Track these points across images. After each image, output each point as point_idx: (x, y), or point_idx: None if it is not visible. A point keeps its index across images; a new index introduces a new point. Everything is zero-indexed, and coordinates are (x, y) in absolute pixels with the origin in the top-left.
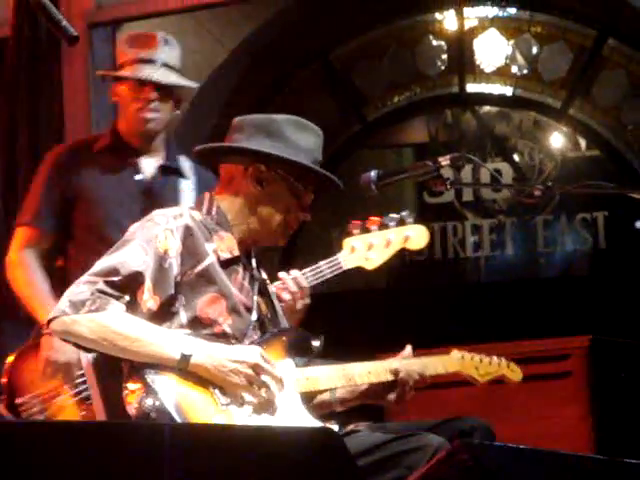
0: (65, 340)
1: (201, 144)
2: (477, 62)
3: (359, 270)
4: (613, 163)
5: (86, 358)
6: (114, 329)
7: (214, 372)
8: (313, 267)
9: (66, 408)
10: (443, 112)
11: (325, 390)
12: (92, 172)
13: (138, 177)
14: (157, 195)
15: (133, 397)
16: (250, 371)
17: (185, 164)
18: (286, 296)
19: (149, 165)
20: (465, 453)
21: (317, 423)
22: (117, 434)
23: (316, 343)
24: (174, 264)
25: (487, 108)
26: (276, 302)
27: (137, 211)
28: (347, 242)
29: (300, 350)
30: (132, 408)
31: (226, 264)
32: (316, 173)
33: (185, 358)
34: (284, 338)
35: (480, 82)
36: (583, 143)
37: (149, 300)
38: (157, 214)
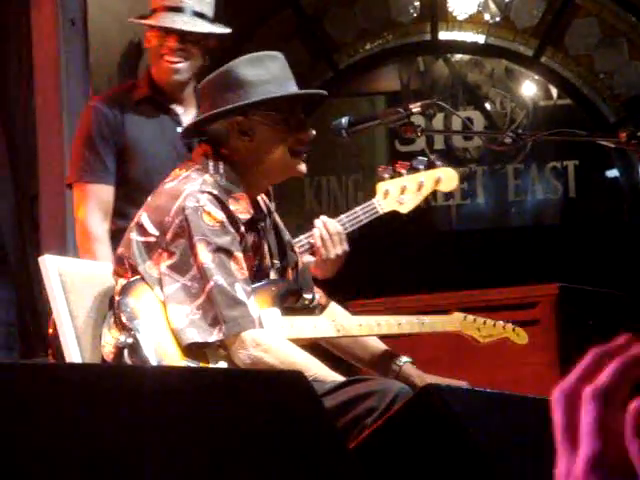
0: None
1: None
2: (449, 9)
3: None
4: (584, 112)
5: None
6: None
7: None
8: (349, 213)
9: None
10: (415, 60)
11: (314, 339)
12: (136, 123)
13: (180, 129)
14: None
15: (109, 343)
16: None
17: None
18: (318, 243)
19: (188, 117)
20: (433, 396)
21: None
22: (87, 377)
23: (308, 296)
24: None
25: (459, 56)
26: (284, 236)
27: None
28: (380, 186)
29: (288, 301)
30: (110, 354)
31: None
32: (287, 97)
33: None
34: (273, 289)
35: (452, 30)
36: (555, 92)
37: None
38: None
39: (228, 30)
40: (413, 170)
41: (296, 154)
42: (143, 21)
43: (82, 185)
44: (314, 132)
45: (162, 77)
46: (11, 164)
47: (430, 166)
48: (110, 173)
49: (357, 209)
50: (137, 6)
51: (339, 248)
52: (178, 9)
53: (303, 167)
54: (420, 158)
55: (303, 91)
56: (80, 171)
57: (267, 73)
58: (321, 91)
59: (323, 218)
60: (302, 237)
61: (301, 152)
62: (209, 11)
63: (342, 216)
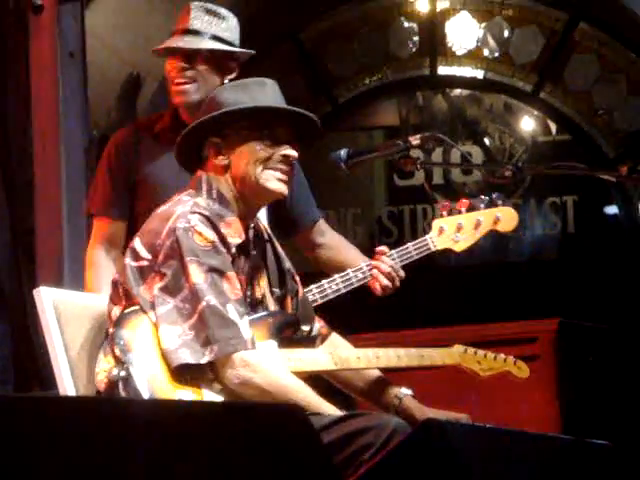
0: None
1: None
2: (448, 45)
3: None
4: (583, 147)
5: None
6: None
7: None
8: (400, 248)
9: None
10: (414, 95)
11: (312, 372)
12: (153, 156)
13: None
14: None
15: (104, 371)
16: None
17: None
18: (384, 281)
19: None
20: (434, 431)
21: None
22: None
23: (306, 327)
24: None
25: (458, 91)
26: (285, 264)
27: None
28: (436, 223)
29: (285, 333)
30: (102, 383)
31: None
32: (259, 110)
33: None
34: (270, 320)
35: (451, 65)
36: (554, 127)
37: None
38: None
39: (235, 49)
40: (472, 209)
41: (270, 168)
42: (157, 48)
43: (93, 217)
44: (295, 153)
45: (175, 101)
46: (7, 196)
47: (490, 205)
48: (116, 207)
49: (409, 245)
50: (138, 40)
51: (395, 281)
52: (195, 32)
53: (280, 186)
54: (482, 197)
55: (266, 105)
56: (90, 202)
57: (247, 96)
58: (293, 108)
59: (375, 262)
60: (358, 269)
61: (286, 173)
62: (232, 37)
63: (392, 251)
